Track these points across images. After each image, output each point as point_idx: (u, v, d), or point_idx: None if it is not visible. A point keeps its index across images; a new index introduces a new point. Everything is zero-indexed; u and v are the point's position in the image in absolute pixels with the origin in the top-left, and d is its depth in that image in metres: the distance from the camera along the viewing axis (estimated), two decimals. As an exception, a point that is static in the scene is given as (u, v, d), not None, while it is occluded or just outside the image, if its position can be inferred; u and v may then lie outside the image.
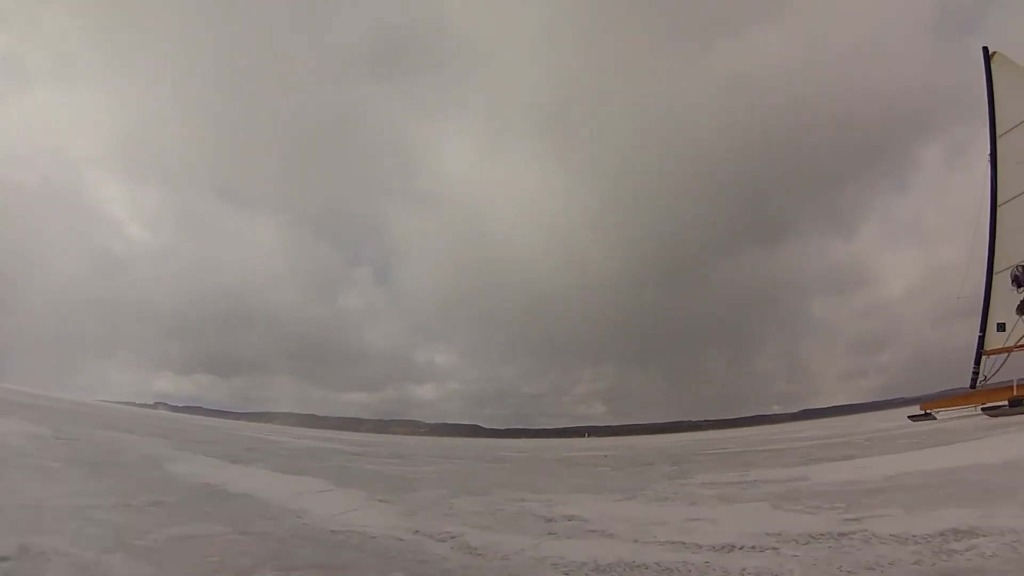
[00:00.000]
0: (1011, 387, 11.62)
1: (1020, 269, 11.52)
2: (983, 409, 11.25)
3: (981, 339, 12.64)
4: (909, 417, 13.22)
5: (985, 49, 13.58)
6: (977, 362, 12.64)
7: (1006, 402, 11.16)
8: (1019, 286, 11.59)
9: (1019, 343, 12.00)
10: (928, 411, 12.93)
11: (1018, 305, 11.63)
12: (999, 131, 13.03)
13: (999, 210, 12.80)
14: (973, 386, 12.74)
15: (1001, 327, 12.43)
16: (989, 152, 13.04)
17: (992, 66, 13.37)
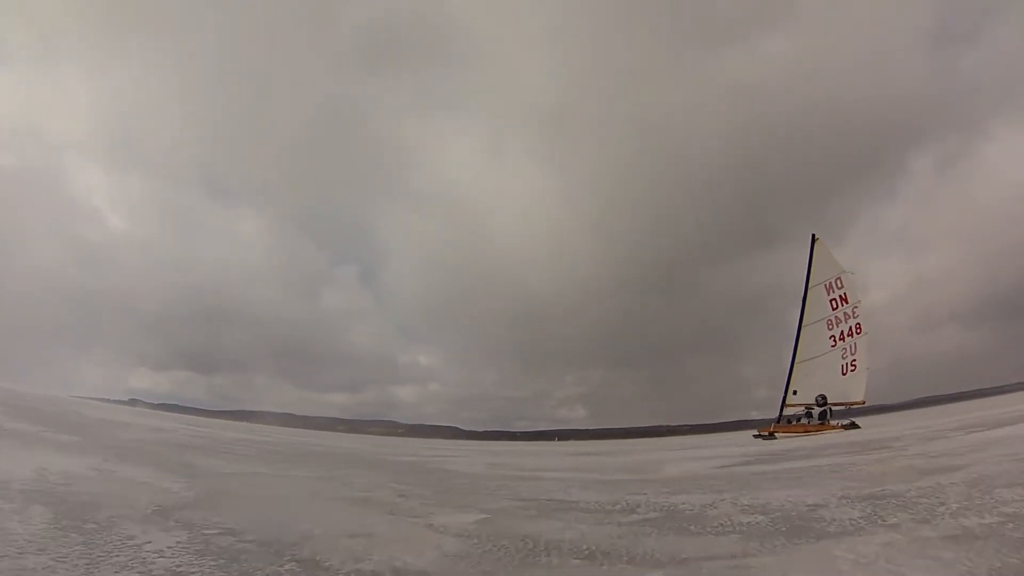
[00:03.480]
0: (791, 424, 22.07)
1: (819, 401, 21.24)
2: (753, 436, 21.43)
3: (784, 398, 23.03)
4: (753, 435, 23.29)
5: (813, 236, 23.77)
6: (780, 412, 23.01)
7: (767, 432, 21.48)
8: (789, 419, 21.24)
9: (802, 404, 22.44)
10: (761, 433, 23.06)
11: (805, 414, 21.49)
12: (811, 285, 23.32)
13: (803, 329, 23.16)
14: (778, 421, 23.08)
15: (795, 393, 22.88)
16: (802, 296, 23.32)
17: (815, 247, 23.58)
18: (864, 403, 20.43)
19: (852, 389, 20.70)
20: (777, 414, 23.16)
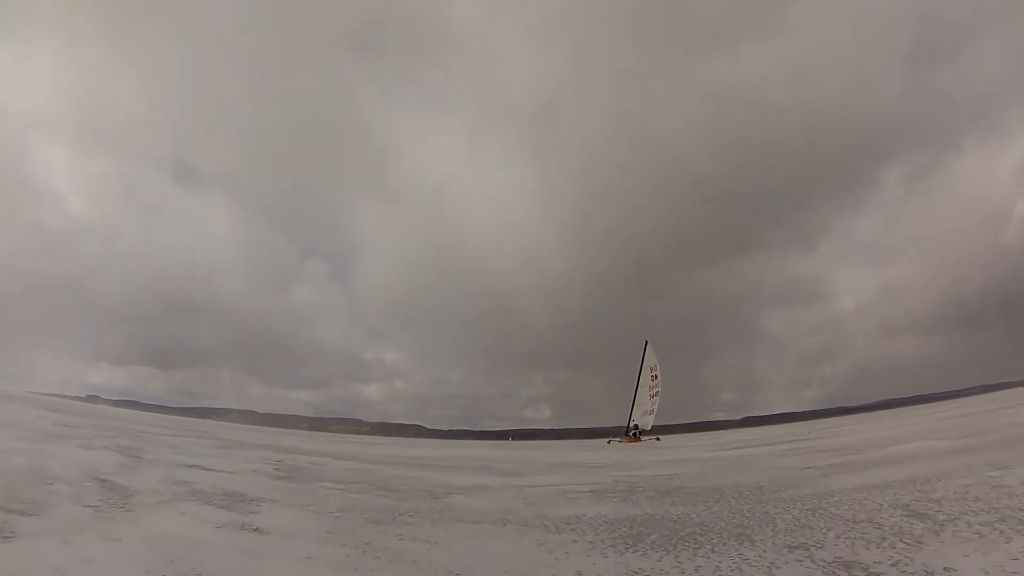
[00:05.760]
0: (630, 436, 46.85)
1: (635, 427, 45.72)
2: (608, 441, 45.64)
3: (628, 422, 47.83)
4: (607, 441, 47.87)
5: (646, 341, 47.95)
6: (626, 430, 47.85)
7: (613, 439, 45.89)
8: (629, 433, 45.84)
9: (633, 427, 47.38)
10: (611, 440, 47.72)
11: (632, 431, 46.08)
12: (643, 367, 47.63)
13: (639, 388, 47.69)
14: (626, 434, 48.03)
15: (632, 420, 47.84)
16: (638, 372, 47.60)
17: (646, 348, 47.76)
18: (650, 429, 45.48)
19: (648, 423, 45.73)
20: (625, 430, 48.03)
